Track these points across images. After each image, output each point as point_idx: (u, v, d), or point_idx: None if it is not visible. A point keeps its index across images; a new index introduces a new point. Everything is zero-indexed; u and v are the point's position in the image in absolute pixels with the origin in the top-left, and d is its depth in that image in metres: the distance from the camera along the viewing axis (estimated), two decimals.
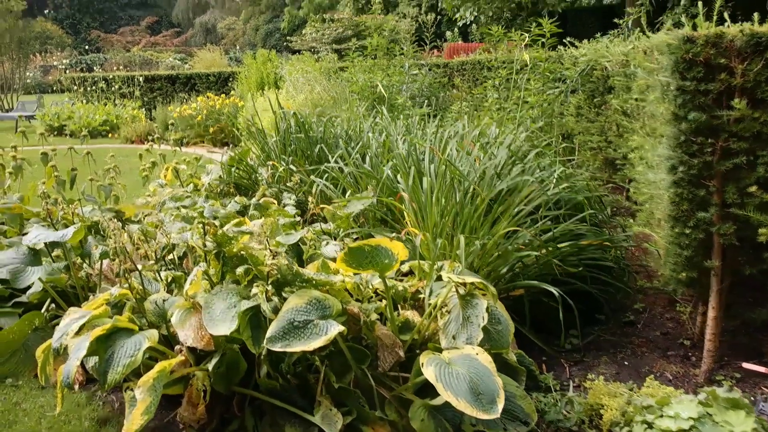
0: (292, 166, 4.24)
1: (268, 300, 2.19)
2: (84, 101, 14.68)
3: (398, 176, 3.36)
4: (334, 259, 2.86)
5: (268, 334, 2.07)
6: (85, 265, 3.02)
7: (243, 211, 4.05)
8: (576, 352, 3.06)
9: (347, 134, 4.37)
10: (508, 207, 2.94)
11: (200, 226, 2.44)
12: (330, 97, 8.51)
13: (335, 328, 2.09)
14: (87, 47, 47.22)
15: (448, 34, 27.01)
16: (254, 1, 54.28)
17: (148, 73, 15.29)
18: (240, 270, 2.30)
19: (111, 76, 14.84)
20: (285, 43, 32.67)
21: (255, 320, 2.18)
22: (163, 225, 3.17)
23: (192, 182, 4.81)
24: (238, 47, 48.95)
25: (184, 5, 63.33)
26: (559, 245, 2.94)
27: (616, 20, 6.85)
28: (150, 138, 12.57)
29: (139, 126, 12.60)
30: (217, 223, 3.35)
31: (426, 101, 7.81)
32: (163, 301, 2.48)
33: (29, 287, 2.77)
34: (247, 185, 4.81)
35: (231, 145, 11.53)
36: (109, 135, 13.06)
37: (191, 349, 2.34)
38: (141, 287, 2.46)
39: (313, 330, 2.09)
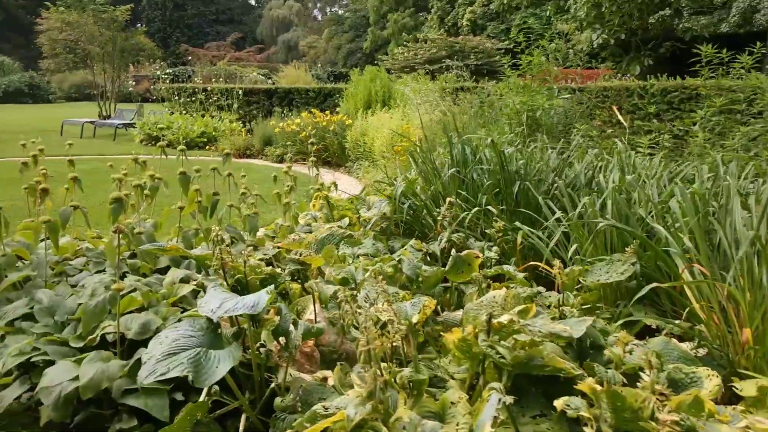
0: (490, 207, 3.33)
1: None
2: (182, 112, 14.44)
3: (696, 240, 2.38)
4: (641, 368, 1.91)
5: None
6: (263, 335, 2.19)
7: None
8: None
9: (556, 170, 3.41)
10: None
11: (485, 318, 1.54)
12: (461, 120, 7.63)
13: None
14: (175, 60, 48.74)
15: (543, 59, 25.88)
16: (337, 21, 55.00)
17: (246, 86, 14.95)
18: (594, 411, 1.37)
19: (210, 88, 14.56)
20: (375, 62, 32.28)
21: None
22: (364, 290, 2.32)
23: (345, 215, 3.99)
24: (319, 65, 49.50)
25: (268, 23, 65.10)
26: None
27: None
28: (245, 153, 12.04)
29: (239, 140, 12.14)
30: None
31: (575, 131, 6.81)
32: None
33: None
34: (411, 222, 3.94)
35: (336, 165, 10.85)
36: (207, 147, 12.67)
37: None
38: (385, 406, 1.58)
39: None
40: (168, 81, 17.27)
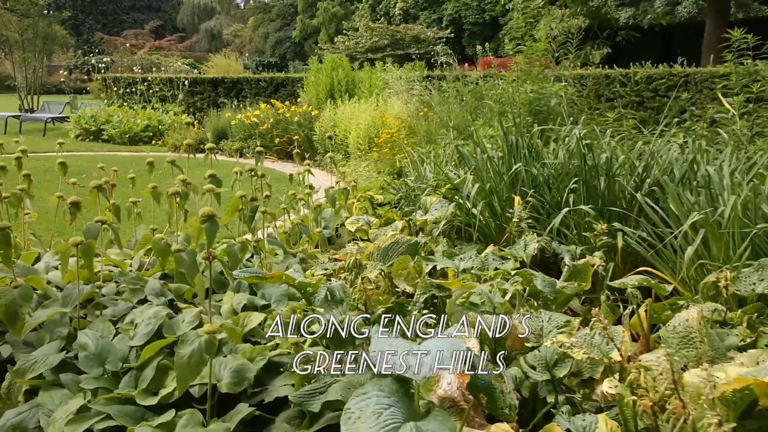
0: (585, 207, 2.97)
1: None
2: (121, 104, 13.31)
3: None
4: None
5: None
6: None
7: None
8: None
9: (648, 164, 3.08)
10: None
11: None
12: (446, 110, 7.27)
13: None
14: (89, 49, 45.57)
15: (478, 48, 26.03)
16: (264, 9, 53.36)
17: (192, 75, 13.99)
18: None
19: (150, 78, 13.49)
20: (307, 51, 31.14)
21: None
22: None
23: (392, 218, 3.53)
24: (246, 54, 47.81)
25: (189, 10, 62.21)
26: None
27: None
28: (199, 148, 11.14)
29: (190, 133, 11.27)
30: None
31: (572, 119, 6.59)
32: None
33: None
34: (467, 221, 3.53)
35: (303, 159, 10.22)
36: (153, 142, 11.69)
37: None
38: None
39: None
40: (103, 70, 15.91)
